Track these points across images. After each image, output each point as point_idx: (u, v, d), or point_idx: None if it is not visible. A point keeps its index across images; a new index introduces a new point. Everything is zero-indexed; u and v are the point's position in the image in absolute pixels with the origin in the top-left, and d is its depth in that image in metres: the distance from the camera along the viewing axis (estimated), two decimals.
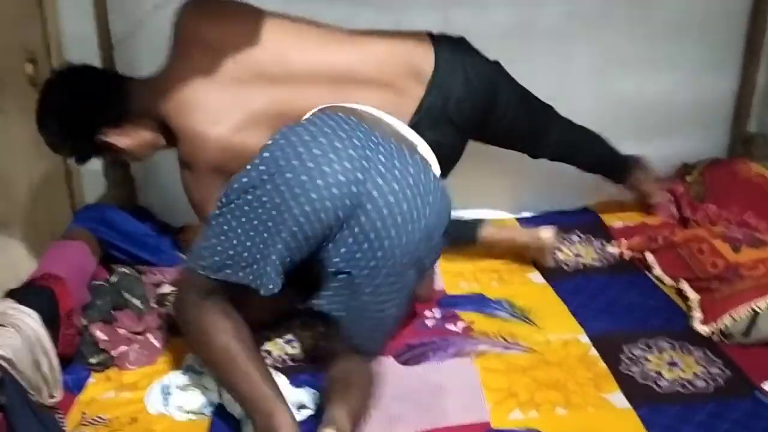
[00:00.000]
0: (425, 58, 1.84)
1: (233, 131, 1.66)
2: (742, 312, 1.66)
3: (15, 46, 2.03)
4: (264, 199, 1.32)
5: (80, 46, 2.08)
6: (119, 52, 2.10)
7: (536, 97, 2.03)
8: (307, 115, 1.50)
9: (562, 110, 2.30)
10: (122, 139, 1.77)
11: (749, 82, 2.33)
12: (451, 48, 1.88)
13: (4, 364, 1.21)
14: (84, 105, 1.73)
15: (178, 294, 1.47)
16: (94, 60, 2.08)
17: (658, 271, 1.97)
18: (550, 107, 2.07)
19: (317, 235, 1.33)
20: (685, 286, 1.86)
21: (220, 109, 1.67)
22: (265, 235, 1.32)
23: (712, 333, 1.68)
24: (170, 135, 1.75)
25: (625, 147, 2.36)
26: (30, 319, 1.33)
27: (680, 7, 2.27)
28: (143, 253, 1.82)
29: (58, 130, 1.74)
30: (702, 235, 1.94)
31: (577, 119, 2.31)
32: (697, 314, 1.74)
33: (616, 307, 1.83)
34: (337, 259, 1.34)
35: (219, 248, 1.36)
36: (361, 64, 1.80)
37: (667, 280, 1.94)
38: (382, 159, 1.37)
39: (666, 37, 2.29)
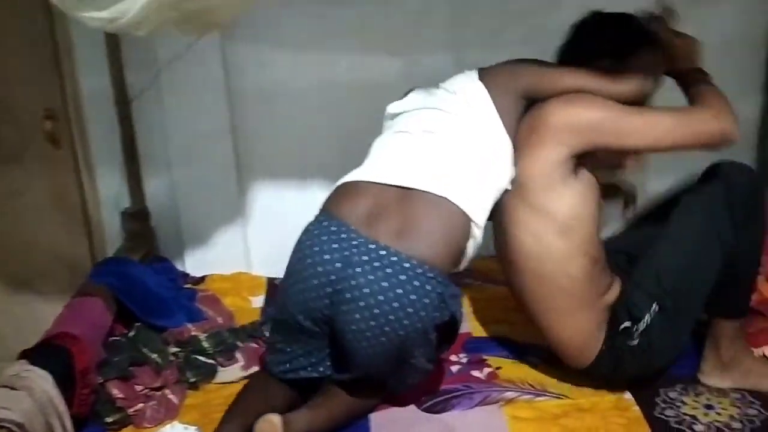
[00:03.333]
0: None
1: None
2: None
3: (34, 104, 2.07)
4: None
5: (97, 102, 2.11)
6: (137, 106, 2.13)
7: None
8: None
9: None
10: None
11: None
12: None
13: (15, 429, 1.18)
14: None
15: None
16: (112, 115, 2.11)
17: None
18: None
19: None
20: None
21: None
22: None
23: None
24: None
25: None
26: (42, 381, 1.31)
27: (701, 37, 2.21)
28: (153, 318, 1.79)
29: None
30: None
31: None
32: None
33: None
34: None
35: None
36: None
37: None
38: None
39: None
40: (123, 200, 2.20)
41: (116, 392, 1.54)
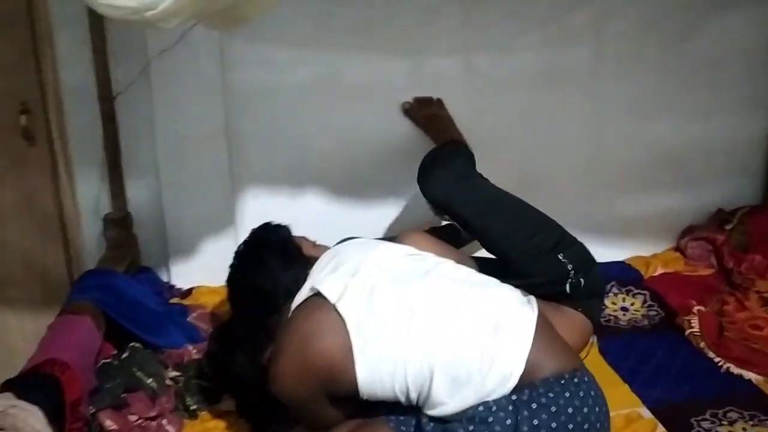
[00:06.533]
0: None
1: None
2: None
3: (8, 96, 1.88)
4: None
5: (78, 96, 1.93)
6: (122, 102, 1.95)
7: None
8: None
9: (593, 154, 2.21)
10: None
11: None
12: None
13: None
14: None
15: None
16: (94, 111, 1.93)
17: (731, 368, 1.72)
18: None
19: None
20: None
21: None
22: None
23: None
24: None
25: (658, 192, 2.27)
26: (33, 419, 1.14)
27: (713, 49, 2.17)
28: (148, 335, 1.62)
29: None
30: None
31: (609, 164, 2.22)
32: None
33: (670, 373, 1.70)
34: None
35: None
36: None
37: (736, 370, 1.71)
38: None
39: (699, 78, 2.18)
40: (103, 204, 2.01)
41: (109, 423, 1.39)
